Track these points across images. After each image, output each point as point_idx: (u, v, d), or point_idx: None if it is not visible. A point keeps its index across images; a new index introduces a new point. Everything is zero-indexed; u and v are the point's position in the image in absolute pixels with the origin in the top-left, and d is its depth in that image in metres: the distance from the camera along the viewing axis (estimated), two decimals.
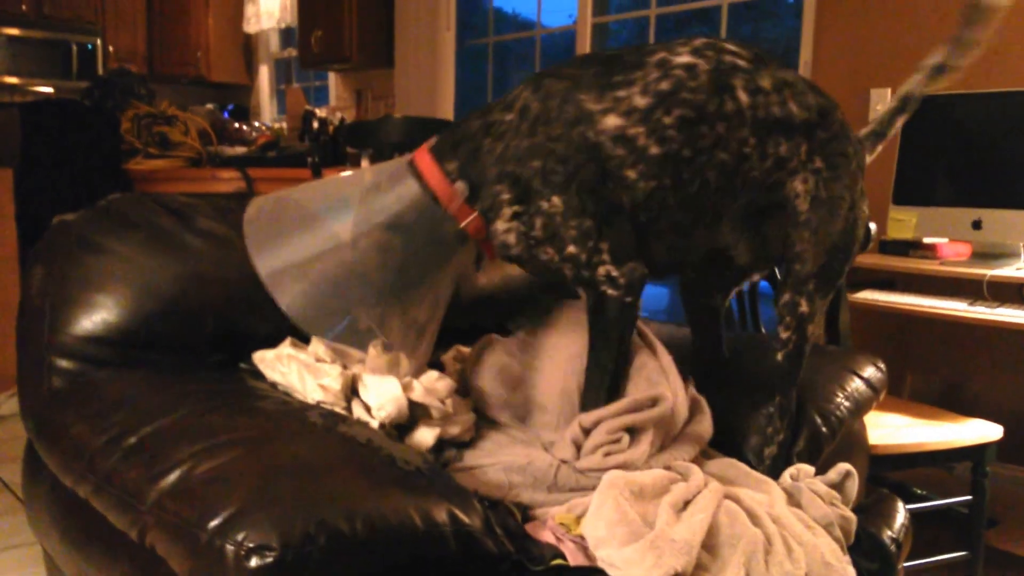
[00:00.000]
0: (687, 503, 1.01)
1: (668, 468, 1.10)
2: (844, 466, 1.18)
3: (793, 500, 1.12)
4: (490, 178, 1.08)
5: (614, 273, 1.10)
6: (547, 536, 0.99)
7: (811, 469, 1.18)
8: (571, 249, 1.09)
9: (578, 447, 1.10)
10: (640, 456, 1.08)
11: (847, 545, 1.12)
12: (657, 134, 1.06)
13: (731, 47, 1.13)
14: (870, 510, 1.26)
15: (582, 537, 0.97)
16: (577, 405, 1.16)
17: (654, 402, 1.12)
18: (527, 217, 1.09)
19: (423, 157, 1.10)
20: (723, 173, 1.11)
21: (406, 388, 1.09)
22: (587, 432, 1.10)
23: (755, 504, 1.05)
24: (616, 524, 0.94)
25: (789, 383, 1.23)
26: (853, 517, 1.12)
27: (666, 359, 1.21)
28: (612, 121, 1.06)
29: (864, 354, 1.50)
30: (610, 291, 1.10)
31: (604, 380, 1.14)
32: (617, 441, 1.09)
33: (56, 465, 1.05)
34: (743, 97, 1.10)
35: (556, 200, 1.07)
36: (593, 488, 1.02)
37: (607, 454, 1.08)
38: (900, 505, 1.30)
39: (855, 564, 1.07)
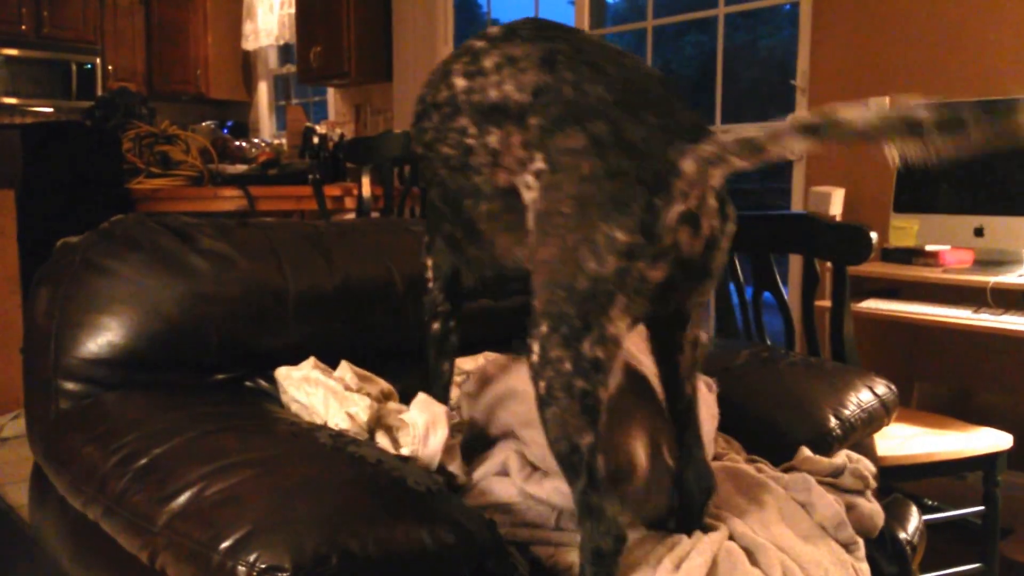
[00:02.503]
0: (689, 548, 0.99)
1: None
2: (844, 452, 1.19)
3: (797, 499, 1.11)
4: None
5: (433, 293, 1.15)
6: None
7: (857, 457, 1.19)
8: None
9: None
10: None
11: (872, 539, 1.11)
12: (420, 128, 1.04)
13: (516, 23, 0.96)
14: (884, 513, 1.24)
15: None
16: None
17: None
18: None
19: None
20: (455, 170, 0.97)
21: (447, 453, 1.07)
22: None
23: (751, 534, 1.03)
24: None
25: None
26: (879, 510, 1.11)
27: None
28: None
29: (879, 375, 1.50)
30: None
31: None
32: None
33: (65, 487, 1.04)
34: (458, 82, 0.95)
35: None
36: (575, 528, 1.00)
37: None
38: (914, 508, 1.30)
39: (876, 564, 1.06)
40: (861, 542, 1.09)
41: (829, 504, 1.10)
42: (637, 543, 0.98)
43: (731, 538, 1.02)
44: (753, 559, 0.99)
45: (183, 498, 0.86)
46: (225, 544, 0.78)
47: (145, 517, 0.87)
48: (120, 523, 0.92)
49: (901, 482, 1.99)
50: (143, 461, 0.95)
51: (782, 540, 1.04)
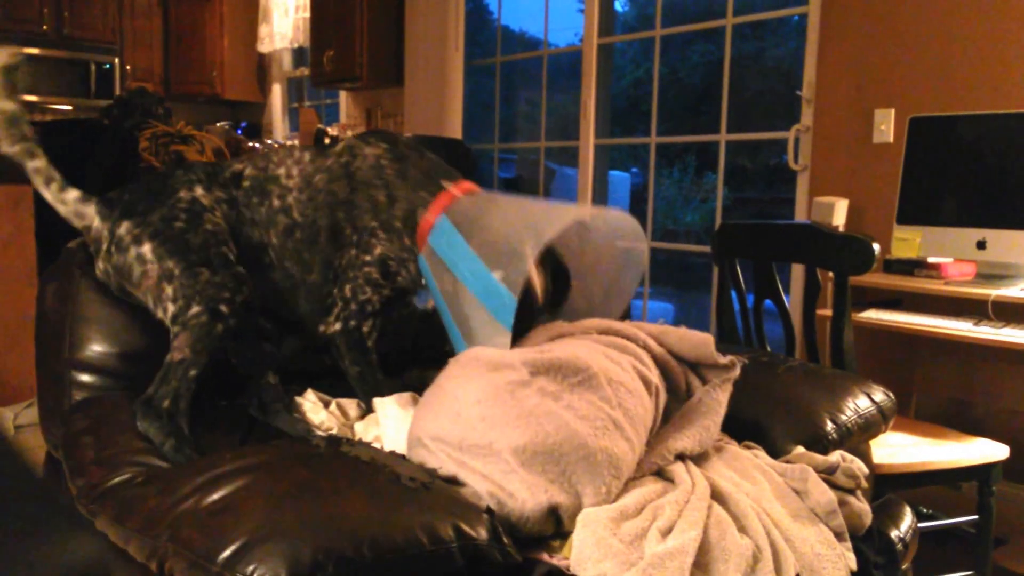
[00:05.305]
0: (676, 517, 1.00)
1: (657, 471, 1.09)
2: (838, 451, 1.20)
3: (792, 486, 1.12)
4: None
5: None
6: (542, 555, 0.98)
7: (852, 458, 1.20)
8: None
9: None
10: None
11: (859, 536, 1.12)
12: None
13: None
14: (878, 512, 1.26)
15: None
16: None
17: None
18: None
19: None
20: None
21: None
22: None
23: (743, 499, 1.03)
24: (601, 560, 0.92)
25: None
26: (868, 510, 1.12)
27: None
28: None
29: (876, 382, 1.50)
30: None
31: None
32: None
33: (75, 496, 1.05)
34: None
35: None
36: None
37: None
38: (907, 508, 1.31)
39: (862, 553, 1.07)
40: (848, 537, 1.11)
41: (824, 491, 1.10)
42: (619, 514, 0.98)
43: (718, 499, 1.03)
44: (740, 525, 1.00)
45: (182, 508, 0.86)
46: (223, 555, 0.78)
47: (151, 525, 0.87)
48: (126, 533, 0.91)
49: (897, 490, 1.99)
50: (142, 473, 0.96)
51: (773, 515, 1.04)
